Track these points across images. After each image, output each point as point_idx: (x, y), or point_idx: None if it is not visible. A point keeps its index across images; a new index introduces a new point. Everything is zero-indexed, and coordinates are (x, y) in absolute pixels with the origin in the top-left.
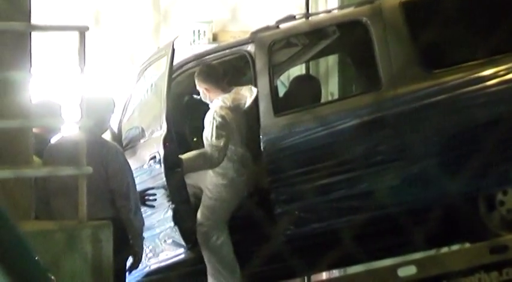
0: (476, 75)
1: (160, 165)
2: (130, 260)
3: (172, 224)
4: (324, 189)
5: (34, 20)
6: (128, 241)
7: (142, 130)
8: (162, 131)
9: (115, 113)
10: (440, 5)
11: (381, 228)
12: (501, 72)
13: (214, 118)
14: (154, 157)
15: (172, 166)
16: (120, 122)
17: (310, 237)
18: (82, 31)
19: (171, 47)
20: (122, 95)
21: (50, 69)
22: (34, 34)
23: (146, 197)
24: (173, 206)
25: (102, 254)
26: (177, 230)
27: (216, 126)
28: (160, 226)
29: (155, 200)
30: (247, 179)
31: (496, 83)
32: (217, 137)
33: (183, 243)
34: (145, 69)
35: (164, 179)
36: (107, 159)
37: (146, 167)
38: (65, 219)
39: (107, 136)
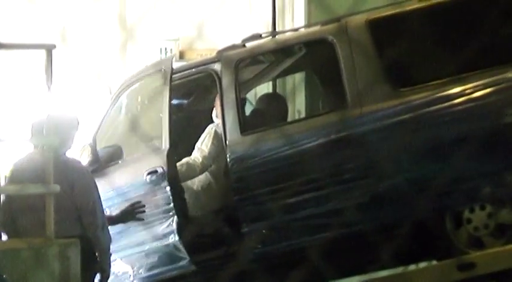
0: (443, 93)
1: (163, 179)
2: (98, 277)
3: (175, 237)
4: (292, 207)
5: (1, 38)
6: (95, 258)
7: (120, 149)
8: (162, 146)
9: (79, 131)
10: (407, 23)
11: (349, 245)
12: (468, 91)
13: (216, 130)
14: (155, 172)
15: (176, 179)
16: (94, 140)
17: (278, 255)
18: (49, 49)
19: (170, 64)
20: (94, 112)
21: (17, 87)
22: (1, 52)
23: (136, 210)
24: (177, 219)
25: (69, 271)
26: (181, 243)
27: (212, 137)
28: (158, 240)
29: (144, 211)
30: (214, 196)
31: (462, 101)
32: (206, 146)
33: (184, 256)
34: (129, 87)
35: (168, 192)
36: (72, 176)
37: (141, 182)
38: (31, 237)
39: (86, 154)
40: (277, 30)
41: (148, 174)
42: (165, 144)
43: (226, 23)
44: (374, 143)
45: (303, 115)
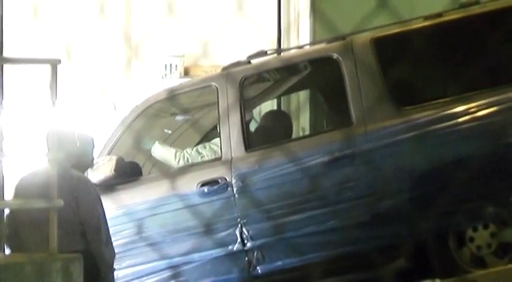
0: (446, 112)
1: (226, 189)
2: None
3: (238, 245)
4: (295, 224)
5: (6, 53)
6: (99, 274)
7: (137, 165)
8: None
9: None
10: (411, 42)
11: (351, 264)
12: (472, 110)
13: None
14: (214, 182)
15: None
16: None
17: (280, 272)
18: (54, 64)
19: (224, 81)
20: (99, 128)
21: (22, 102)
22: (6, 67)
23: None
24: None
25: None
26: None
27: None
28: (214, 249)
29: None
30: None
31: (466, 120)
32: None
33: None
34: (162, 101)
35: (235, 201)
36: (77, 191)
37: (190, 194)
38: (35, 252)
39: (110, 166)
40: (282, 47)
41: (203, 185)
42: (227, 154)
43: (232, 40)
44: (378, 161)
45: (307, 132)
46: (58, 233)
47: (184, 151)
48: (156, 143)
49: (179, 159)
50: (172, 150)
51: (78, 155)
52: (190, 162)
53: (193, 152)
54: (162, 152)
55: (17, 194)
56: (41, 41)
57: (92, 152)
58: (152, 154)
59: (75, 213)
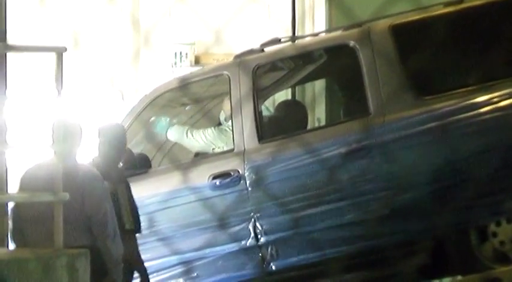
0: (468, 102)
1: (239, 182)
2: None
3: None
4: (310, 219)
5: (10, 40)
6: (106, 269)
7: (146, 157)
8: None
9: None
10: (431, 30)
11: (370, 259)
12: (494, 99)
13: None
14: (226, 174)
15: None
16: None
17: (295, 268)
18: (59, 52)
19: (236, 69)
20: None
21: (27, 91)
22: (10, 55)
23: None
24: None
25: None
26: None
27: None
28: (228, 244)
29: None
30: None
31: (488, 111)
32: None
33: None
34: (173, 90)
35: (248, 194)
36: (83, 185)
37: (201, 187)
38: (40, 247)
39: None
40: (297, 35)
41: (214, 178)
42: (240, 146)
43: (244, 27)
44: (396, 153)
45: (323, 123)
46: (64, 228)
47: (195, 129)
48: (175, 125)
49: (187, 132)
50: (184, 128)
51: (115, 146)
52: (198, 138)
53: (202, 132)
54: (176, 130)
55: (22, 187)
56: (48, 29)
57: (125, 141)
58: (168, 137)
59: (81, 207)
